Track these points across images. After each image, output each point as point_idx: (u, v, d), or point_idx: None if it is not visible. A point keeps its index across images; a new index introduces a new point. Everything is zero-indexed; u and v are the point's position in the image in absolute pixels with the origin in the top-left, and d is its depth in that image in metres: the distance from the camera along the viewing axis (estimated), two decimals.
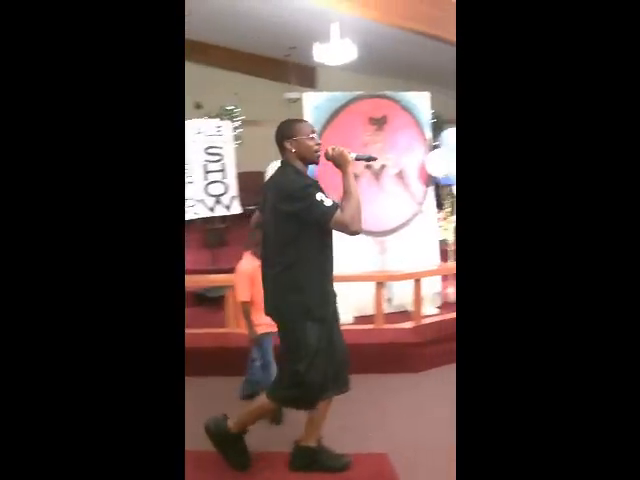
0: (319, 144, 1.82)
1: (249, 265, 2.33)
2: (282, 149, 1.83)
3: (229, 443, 1.94)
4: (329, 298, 1.88)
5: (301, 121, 1.92)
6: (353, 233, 1.70)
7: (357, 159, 1.82)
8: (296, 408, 1.92)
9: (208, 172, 4.00)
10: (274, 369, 2.27)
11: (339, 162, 1.76)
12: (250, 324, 2.31)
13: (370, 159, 1.95)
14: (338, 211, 1.66)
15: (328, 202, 1.67)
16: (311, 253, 1.77)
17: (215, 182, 4.02)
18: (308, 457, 1.94)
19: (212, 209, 4.04)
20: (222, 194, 4.04)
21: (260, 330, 2.30)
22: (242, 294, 2.32)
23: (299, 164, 1.81)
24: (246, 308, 2.32)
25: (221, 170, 4.05)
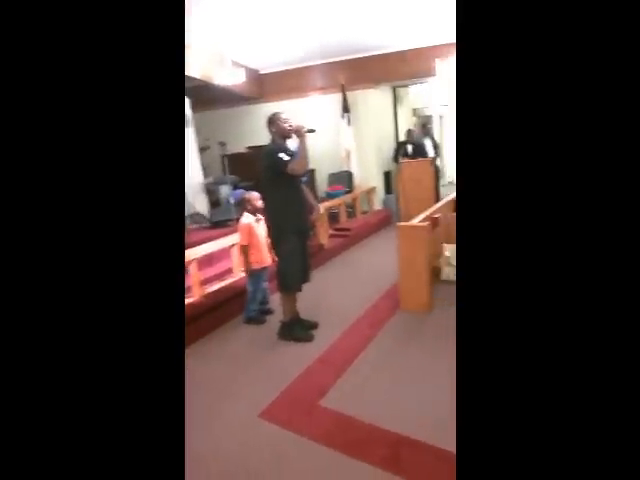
0: (291, 125, 2.97)
1: (247, 220, 3.43)
2: (270, 132, 3.03)
3: (296, 327, 3.16)
4: (302, 219, 3.05)
5: (278, 113, 3.04)
6: (299, 175, 2.95)
7: (307, 131, 2.93)
8: (290, 292, 3.12)
9: None
10: (260, 295, 3.55)
11: (299, 133, 2.90)
12: (247, 261, 3.42)
13: (312, 131, 2.97)
14: (290, 162, 2.84)
15: (285, 158, 2.87)
16: (285, 191, 2.96)
17: None
18: (286, 328, 3.15)
19: None
20: None
21: (254, 266, 3.43)
22: (242, 240, 3.44)
23: (279, 139, 3.00)
24: (245, 250, 3.41)
25: None
